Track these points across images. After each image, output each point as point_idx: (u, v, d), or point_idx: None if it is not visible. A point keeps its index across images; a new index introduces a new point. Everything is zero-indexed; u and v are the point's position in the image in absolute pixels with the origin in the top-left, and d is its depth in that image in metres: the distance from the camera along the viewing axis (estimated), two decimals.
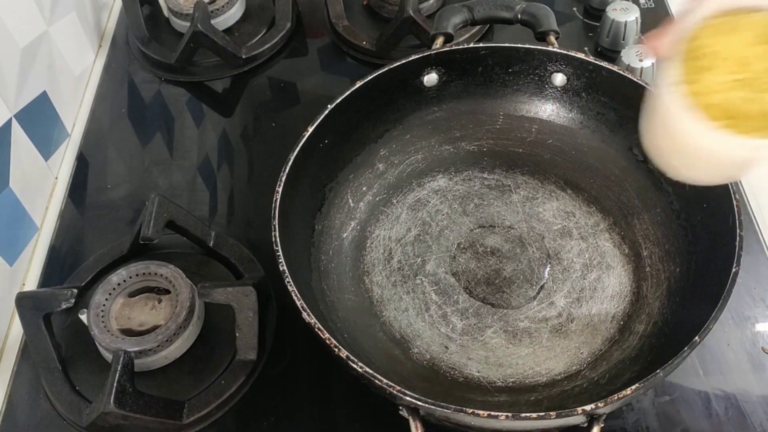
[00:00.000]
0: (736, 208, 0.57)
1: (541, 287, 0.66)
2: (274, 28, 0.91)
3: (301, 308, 0.54)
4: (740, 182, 0.72)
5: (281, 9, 0.92)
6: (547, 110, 0.74)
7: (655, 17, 0.88)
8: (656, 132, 0.49)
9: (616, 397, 0.48)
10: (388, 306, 0.66)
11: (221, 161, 0.80)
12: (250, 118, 0.85)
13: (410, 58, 0.69)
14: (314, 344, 0.54)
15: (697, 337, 0.50)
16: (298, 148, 0.63)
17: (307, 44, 0.92)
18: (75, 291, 0.63)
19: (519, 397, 0.59)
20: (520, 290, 0.66)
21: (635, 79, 0.67)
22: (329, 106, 0.66)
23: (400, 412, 0.51)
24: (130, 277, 0.64)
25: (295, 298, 0.54)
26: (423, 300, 0.66)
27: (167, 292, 0.64)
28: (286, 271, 0.55)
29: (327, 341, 0.52)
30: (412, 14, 0.81)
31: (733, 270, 0.53)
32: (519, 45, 0.71)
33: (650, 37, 0.45)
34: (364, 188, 0.72)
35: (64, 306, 0.63)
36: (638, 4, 0.88)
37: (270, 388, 0.62)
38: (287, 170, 0.62)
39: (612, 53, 0.83)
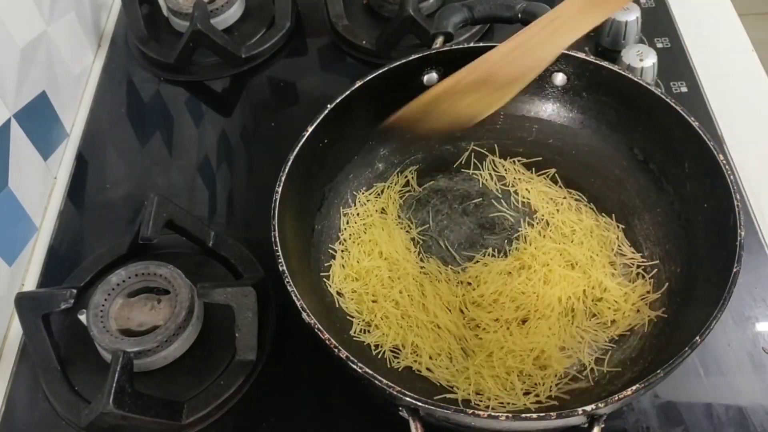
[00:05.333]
0: (736, 208, 0.56)
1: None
2: (274, 27, 0.91)
3: (300, 308, 0.53)
4: (741, 183, 0.72)
5: (281, 8, 0.92)
6: (548, 110, 0.74)
7: (655, 17, 0.88)
8: None
9: (616, 398, 0.48)
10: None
11: (220, 161, 0.80)
12: (249, 117, 0.85)
13: (410, 58, 0.69)
14: (314, 345, 0.53)
15: (697, 338, 0.50)
16: (297, 148, 0.63)
17: (307, 44, 0.92)
18: (74, 291, 0.63)
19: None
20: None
21: (636, 79, 0.67)
22: (329, 105, 0.66)
23: (400, 413, 0.51)
24: (130, 278, 0.64)
25: (294, 298, 0.54)
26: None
27: (166, 292, 0.63)
28: (286, 272, 0.55)
29: (327, 342, 0.52)
30: (412, 13, 0.81)
31: (734, 270, 0.53)
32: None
33: None
34: (364, 188, 0.72)
35: (63, 306, 0.63)
36: (639, 4, 0.88)
37: (269, 388, 0.62)
38: (287, 170, 0.62)
39: (612, 53, 0.83)
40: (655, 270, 0.64)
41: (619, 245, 0.67)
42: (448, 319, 0.62)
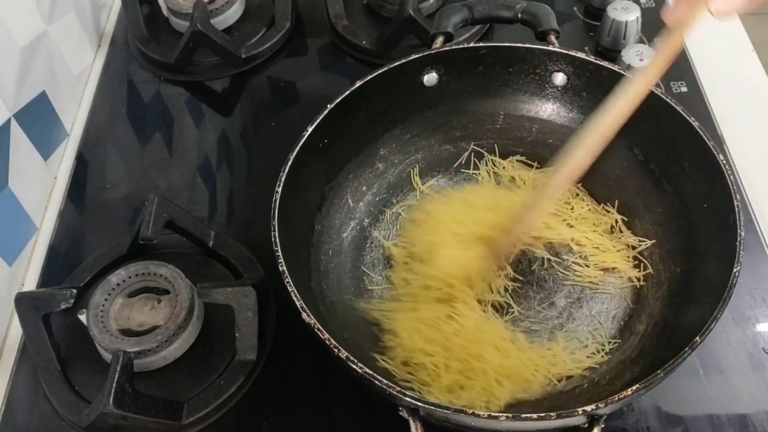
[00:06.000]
0: (736, 208, 0.56)
1: (542, 288, 0.65)
2: (274, 27, 0.91)
3: (300, 308, 0.53)
4: (741, 183, 0.72)
5: (281, 8, 0.92)
6: (548, 110, 0.74)
7: (655, 17, 0.88)
8: None
9: (616, 398, 0.48)
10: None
11: (221, 161, 0.80)
12: (249, 117, 0.85)
13: (410, 58, 0.69)
14: (314, 345, 0.53)
15: (697, 338, 0.50)
16: (297, 148, 0.63)
17: (307, 44, 0.92)
18: (74, 291, 0.63)
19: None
20: (521, 291, 0.65)
21: None
22: (329, 105, 0.66)
23: (400, 413, 0.51)
24: (130, 278, 0.64)
25: (294, 298, 0.54)
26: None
27: (166, 292, 0.63)
28: (286, 272, 0.55)
29: (326, 342, 0.52)
30: (412, 13, 0.81)
31: (734, 270, 0.53)
32: (519, 44, 0.70)
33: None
34: (364, 188, 0.72)
35: (63, 306, 0.63)
36: (639, 4, 0.88)
37: (269, 388, 0.62)
38: (287, 170, 0.62)
39: (613, 53, 0.83)
40: (656, 270, 0.65)
41: (619, 227, 0.68)
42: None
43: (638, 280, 0.65)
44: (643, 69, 0.56)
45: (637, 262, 0.66)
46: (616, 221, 0.68)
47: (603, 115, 0.56)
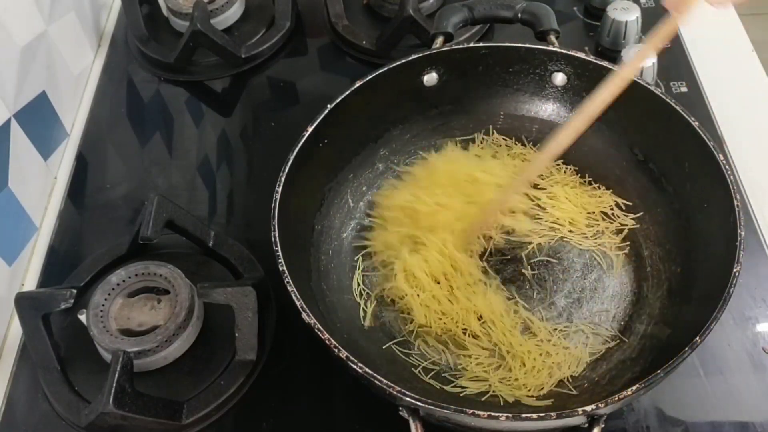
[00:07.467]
0: (736, 208, 0.56)
1: (542, 287, 0.65)
2: (274, 27, 0.91)
3: (300, 308, 0.53)
4: (741, 183, 0.72)
5: (281, 8, 0.92)
6: (548, 110, 0.74)
7: (655, 16, 0.88)
8: None
9: (616, 398, 0.48)
10: (388, 306, 0.66)
11: (221, 161, 0.80)
12: (249, 117, 0.85)
13: (410, 58, 0.69)
14: (314, 345, 0.53)
15: (698, 338, 0.50)
16: (297, 148, 0.63)
17: (307, 44, 0.92)
18: (74, 291, 0.63)
19: None
20: (521, 291, 0.65)
21: (636, 79, 0.67)
22: (329, 105, 0.66)
23: (400, 413, 0.51)
24: (130, 278, 0.64)
25: (294, 298, 0.54)
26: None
27: (166, 292, 0.63)
28: (286, 272, 0.55)
29: (327, 342, 0.52)
30: (412, 13, 0.81)
31: (734, 270, 0.53)
32: (519, 44, 0.70)
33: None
34: (364, 188, 0.72)
35: (63, 306, 0.63)
36: (639, 4, 0.88)
37: (269, 388, 0.62)
38: (287, 170, 0.62)
39: (613, 53, 0.83)
40: (656, 270, 0.65)
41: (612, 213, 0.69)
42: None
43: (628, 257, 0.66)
44: (633, 56, 0.60)
45: (637, 261, 0.66)
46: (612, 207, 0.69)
47: (591, 98, 0.59)
